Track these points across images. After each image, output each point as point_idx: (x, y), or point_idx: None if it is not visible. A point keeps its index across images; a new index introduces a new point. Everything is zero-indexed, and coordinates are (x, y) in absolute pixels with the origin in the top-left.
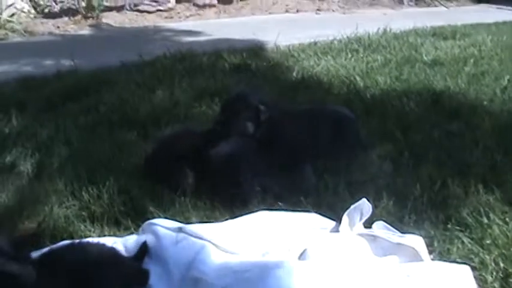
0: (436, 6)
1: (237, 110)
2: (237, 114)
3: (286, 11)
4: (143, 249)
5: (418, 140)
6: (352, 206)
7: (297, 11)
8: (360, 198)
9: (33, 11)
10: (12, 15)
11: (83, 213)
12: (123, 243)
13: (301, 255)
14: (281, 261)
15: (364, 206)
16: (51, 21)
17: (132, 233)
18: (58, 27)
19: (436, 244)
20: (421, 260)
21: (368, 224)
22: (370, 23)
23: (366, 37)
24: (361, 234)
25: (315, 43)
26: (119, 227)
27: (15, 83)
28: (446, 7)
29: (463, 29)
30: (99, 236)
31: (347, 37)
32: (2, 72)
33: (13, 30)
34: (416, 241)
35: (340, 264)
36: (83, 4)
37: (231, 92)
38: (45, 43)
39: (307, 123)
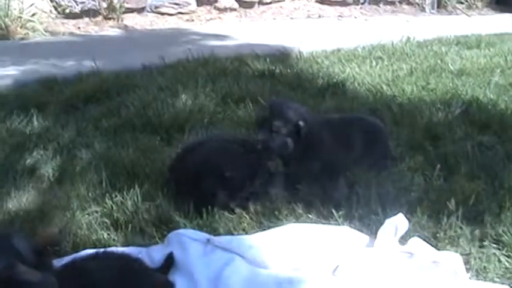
0: (457, 14)
1: (276, 127)
2: (276, 132)
3: (308, 17)
4: (169, 261)
5: (449, 152)
6: (388, 221)
7: (319, 16)
8: (392, 212)
9: (54, 11)
10: (33, 14)
11: (106, 220)
12: (148, 254)
13: (335, 271)
14: (314, 277)
15: (400, 221)
16: (71, 22)
17: (157, 243)
18: (79, 27)
19: (473, 262)
20: (459, 278)
21: (402, 240)
22: (392, 30)
23: (390, 45)
24: (396, 251)
25: (339, 50)
26: (143, 236)
27: (36, 83)
28: (468, 15)
29: (487, 38)
30: (123, 245)
31: (371, 44)
32: (23, 72)
33: (34, 30)
34: (453, 259)
35: (375, 281)
36: (104, 5)
37: (269, 104)
38: (66, 43)
39: (340, 133)
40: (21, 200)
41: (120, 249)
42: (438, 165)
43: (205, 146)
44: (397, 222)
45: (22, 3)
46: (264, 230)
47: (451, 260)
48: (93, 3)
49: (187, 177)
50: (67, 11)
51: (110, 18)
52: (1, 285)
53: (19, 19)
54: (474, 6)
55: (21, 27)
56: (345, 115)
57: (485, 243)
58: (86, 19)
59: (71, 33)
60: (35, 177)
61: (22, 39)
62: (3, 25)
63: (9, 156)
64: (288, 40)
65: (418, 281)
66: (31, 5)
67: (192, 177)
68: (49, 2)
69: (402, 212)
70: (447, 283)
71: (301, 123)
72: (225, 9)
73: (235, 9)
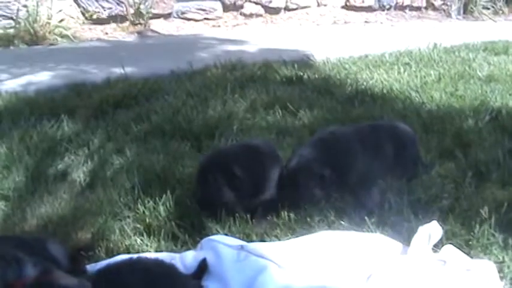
0: (484, 20)
1: (302, 182)
2: (303, 185)
3: (334, 23)
4: (202, 267)
5: (480, 159)
6: (421, 228)
7: (345, 22)
8: (424, 219)
9: (81, 16)
10: (61, 20)
11: (138, 225)
12: (181, 260)
13: (369, 279)
14: (349, 285)
15: (434, 229)
16: (99, 27)
17: (189, 249)
18: (106, 33)
19: (506, 270)
20: (492, 287)
21: (435, 248)
22: (418, 36)
23: (417, 51)
24: (430, 259)
25: (366, 56)
26: (175, 242)
27: (66, 88)
28: (494, 21)
29: None
30: (156, 251)
31: (398, 50)
32: (52, 77)
33: (62, 36)
34: (487, 267)
35: None
36: (131, 11)
37: (294, 158)
38: (94, 49)
39: (371, 142)
40: (54, 204)
41: (153, 254)
42: (469, 173)
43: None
44: (431, 230)
45: (50, 9)
46: (297, 236)
47: (484, 268)
48: (120, 8)
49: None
50: (94, 16)
51: (136, 24)
52: None
53: (47, 25)
54: (500, 11)
55: (49, 32)
56: (375, 123)
57: None
58: (113, 25)
59: (99, 39)
60: (67, 182)
61: (51, 44)
62: (32, 31)
63: (41, 161)
64: (315, 46)
65: None
66: (59, 11)
67: (201, 175)
68: (77, 7)
69: (434, 220)
70: None
71: (325, 173)
72: (251, 15)
73: (261, 15)
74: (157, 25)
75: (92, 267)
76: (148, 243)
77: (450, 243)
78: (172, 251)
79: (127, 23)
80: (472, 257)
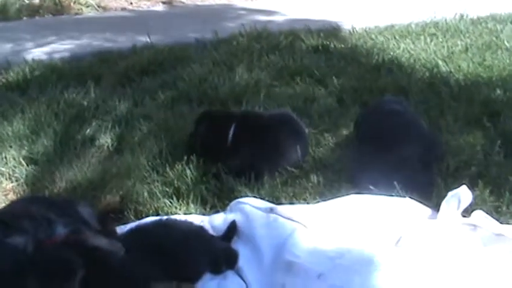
0: None
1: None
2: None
3: None
4: (232, 229)
5: (508, 128)
6: (451, 193)
7: None
8: (453, 185)
9: None
10: None
11: (167, 189)
12: (210, 222)
13: (398, 242)
14: (377, 248)
15: (463, 194)
16: None
17: (218, 212)
18: (131, 3)
19: None
20: None
21: (465, 213)
22: (444, 6)
23: (443, 21)
24: (460, 223)
25: (392, 26)
26: (204, 205)
27: (92, 56)
28: None
29: None
30: (185, 214)
31: (423, 21)
32: (78, 45)
33: (87, 6)
34: None
35: (438, 253)
36: None
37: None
38: (119, 18)
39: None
40: (82, 168)
41: (182, 217)
42: (498, 141)
43: None
44: (461, 195)
45: None
46: (325, 200)
47: None
48: None
49: None
50: None
51: None
52: (68, 249)
53: None
54: None
55: (74, 2)
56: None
57: None
58: None
59: (123, 9)
60: (95, 147)
61: (76, 14)
62: (57, 1)
63: (69, 127)
64: (340, 16)
65: (481, 253)
66: None
67: None
68: None
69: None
70: (511, 256)
71: None
72: None
73: None
74: None
75: (121, 228)
76: (177, 206)
77: (478, 209)
78: (201, 213)
79: None
80: (501, 223)
